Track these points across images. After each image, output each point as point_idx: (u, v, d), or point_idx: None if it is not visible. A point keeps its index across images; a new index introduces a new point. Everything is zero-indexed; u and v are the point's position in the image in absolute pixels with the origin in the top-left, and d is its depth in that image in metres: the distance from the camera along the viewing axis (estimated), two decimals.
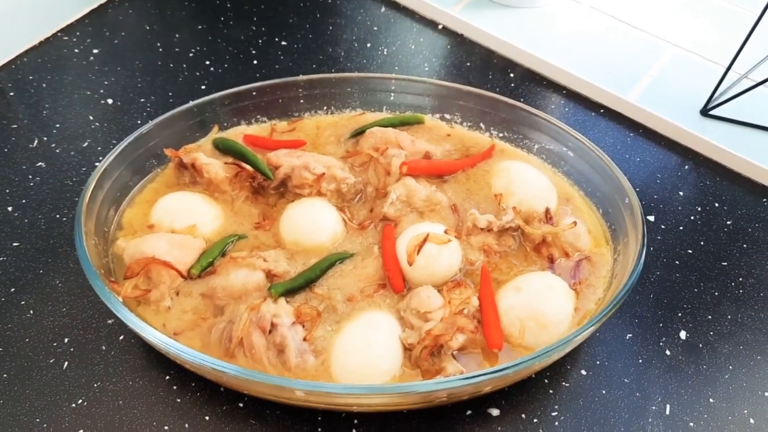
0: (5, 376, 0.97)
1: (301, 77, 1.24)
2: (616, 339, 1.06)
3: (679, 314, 1.10)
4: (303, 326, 0.93)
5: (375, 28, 1.62)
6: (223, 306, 0.97)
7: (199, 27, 1.61)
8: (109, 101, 1.41)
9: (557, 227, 1.04)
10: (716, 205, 1.27)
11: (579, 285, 1.02)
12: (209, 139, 1.19)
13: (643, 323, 1.09)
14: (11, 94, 1.39)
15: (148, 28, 1.60)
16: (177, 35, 1.58)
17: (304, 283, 0.98)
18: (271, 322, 0.90)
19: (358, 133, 1.20)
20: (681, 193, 1.29)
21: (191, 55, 1.53)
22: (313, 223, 1.04)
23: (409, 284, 1.00)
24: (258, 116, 1.24)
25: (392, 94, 1.26)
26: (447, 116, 1.26)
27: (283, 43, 1.57)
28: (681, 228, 1.23)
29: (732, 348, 1.04)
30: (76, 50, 1.53)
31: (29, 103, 1.40)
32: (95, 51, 1.53)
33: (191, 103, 1.18)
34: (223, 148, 1.16)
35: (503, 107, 1.21)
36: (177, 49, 1.54)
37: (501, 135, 1.23)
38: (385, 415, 0.94)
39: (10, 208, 1.18)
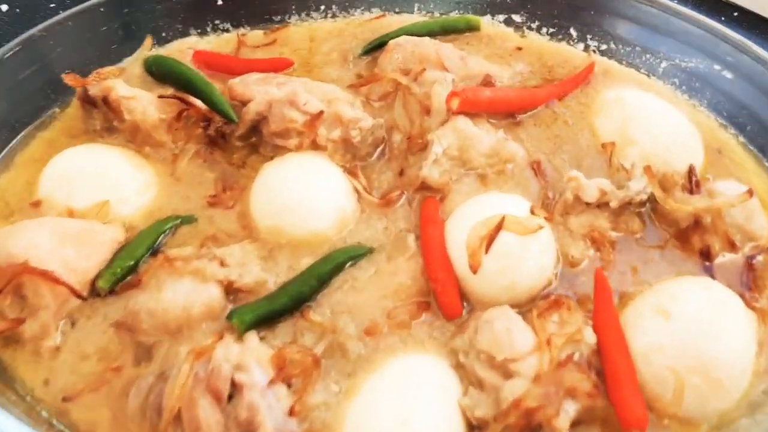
0: None
1: None
2: None
3: None
4: (288, 386, 0.68)
5: None
6: (151, 345, 0.72)
7: None
8: (3, 8, 1.16)
9: (720, 200, 0.72)
10: None
11: (757, 298, 0.72)
12: (138, 59, 0.94)
13: None
14: None
15: None
16: None
17: (290, 303, 0.73)
18: (232, 379, 0.65)
19: (377, 46, 0.98)
20: None
21: None
22: (305, 197, 0.78)
23: (470, 304, 0.73)
24: (217, 21, 0.98)
25: None
26: (516, 18, 0.99)
27: None
28: None
29: None
30: None
31: None
32: None
33: None
34: (160, 72, 0.92)
35: None
36: None
37: (604, 47, 0.96)
38: None
39: None
